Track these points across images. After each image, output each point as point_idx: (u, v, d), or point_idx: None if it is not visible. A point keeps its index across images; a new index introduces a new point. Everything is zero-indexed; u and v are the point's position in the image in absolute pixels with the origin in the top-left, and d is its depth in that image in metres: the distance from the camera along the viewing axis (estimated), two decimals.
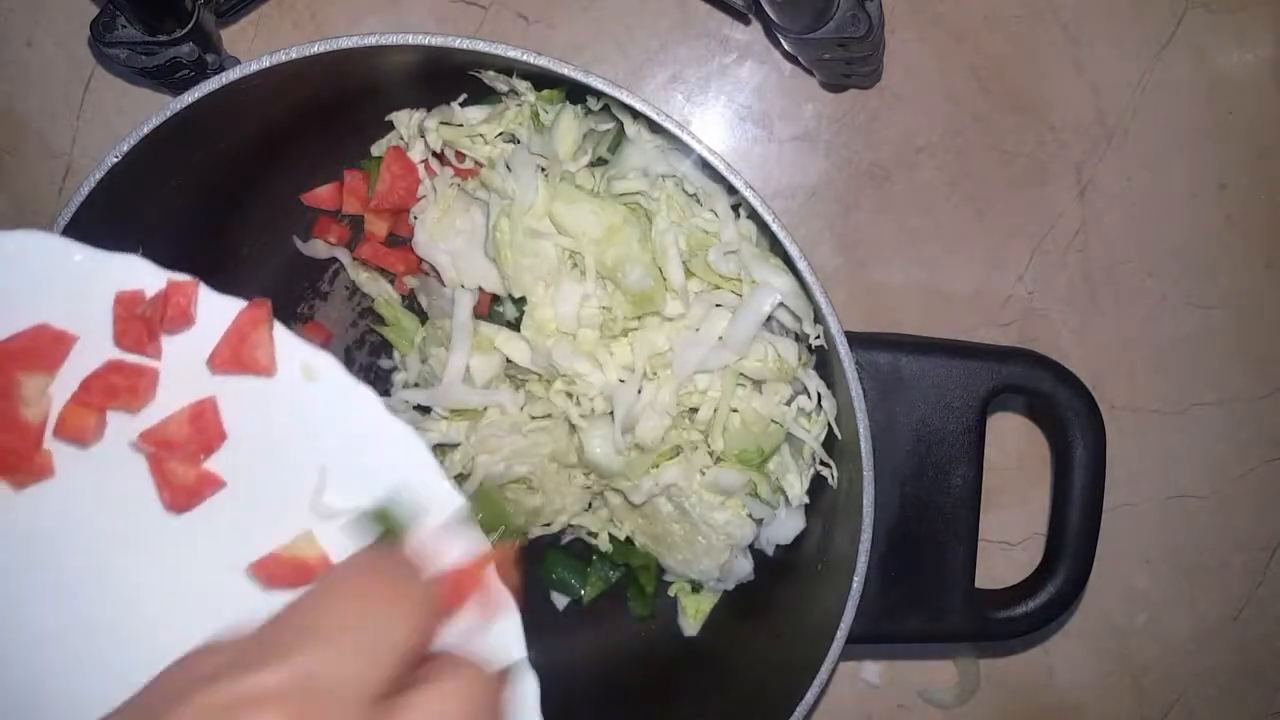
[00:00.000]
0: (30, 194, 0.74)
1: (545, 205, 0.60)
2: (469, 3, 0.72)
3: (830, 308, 0.53)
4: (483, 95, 0.64)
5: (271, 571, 0.40)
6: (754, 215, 0.54)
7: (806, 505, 0.64)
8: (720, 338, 0.59)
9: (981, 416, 0.58)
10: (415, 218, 0.67)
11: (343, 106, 0.64)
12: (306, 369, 0.40)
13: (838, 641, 0.54)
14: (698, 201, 0.60)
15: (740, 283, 0.59)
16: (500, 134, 0.64)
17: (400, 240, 0.70)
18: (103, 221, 0.54)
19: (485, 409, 0.65)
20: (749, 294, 0.58)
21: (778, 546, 0.65)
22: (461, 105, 0.64)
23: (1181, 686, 0.77)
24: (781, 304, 0.58)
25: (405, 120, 0.66)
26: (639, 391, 0.60)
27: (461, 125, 0.64)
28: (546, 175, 0.60)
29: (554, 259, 0.61)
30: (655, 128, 0.54)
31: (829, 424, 0.60)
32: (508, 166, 0.60)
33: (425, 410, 0.66)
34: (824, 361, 0.59)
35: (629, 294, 0.59)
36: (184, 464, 0.40)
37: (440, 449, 0.67)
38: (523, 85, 0.62)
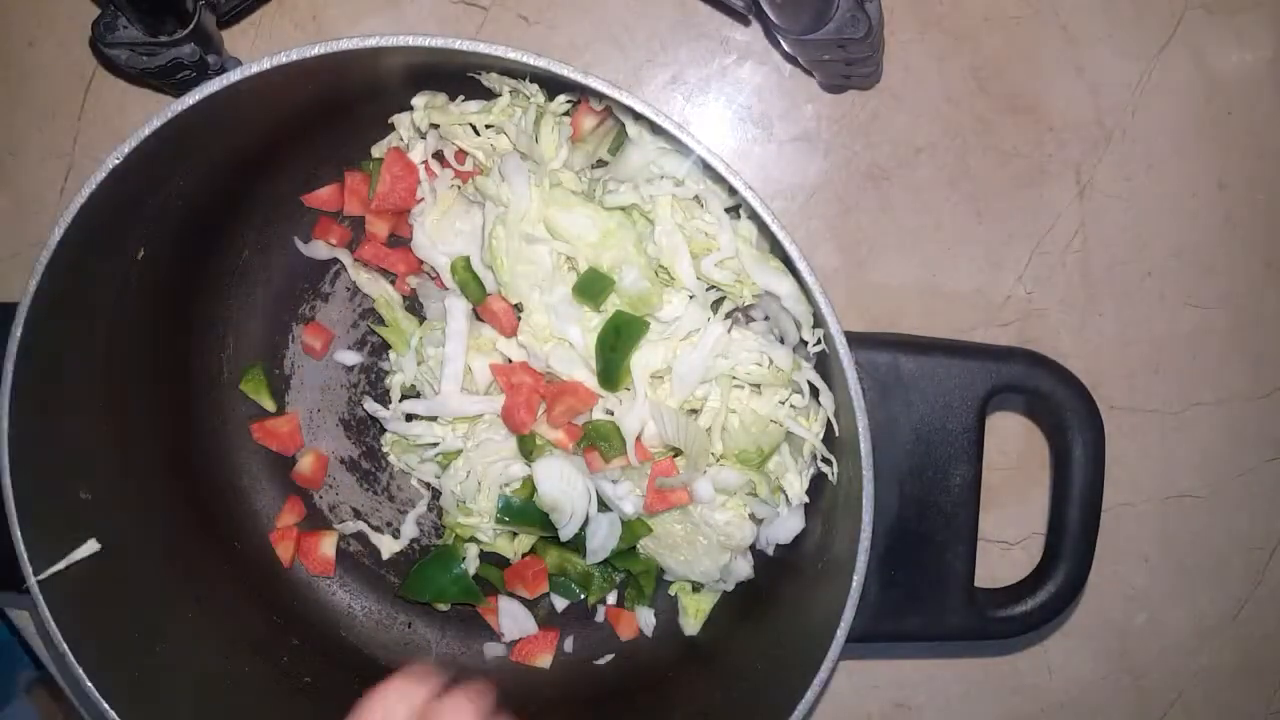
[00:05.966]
0: (32, 194, 0.74)
1: (540, 211, 0.60)
2: (469, 4, 0.72)
3: (830, 308, 0.53)
4: (483, 97, 0.64)
5: None
6: (754, 216, 0.54)
7: (806, 505, 0.64)
8: (717, 355, 0.59)
9: (981, 416, 0.58)
10: (414, 219, 0.67)
11: (343, 108, 0.64)
12: None
13: (838, 641, 0.54)
14: (699, 204, 0.60)
15: (740, 285, 0.59)
16: (490, 126, 0.63)
17: (402, 241, 0.70)
18: (104, 222, 0.55)
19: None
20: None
21: (778, 546, 0.66)
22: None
23: (1181, 686, 0.77)
24: (783, 308, 0.58)
25: (406, 122, 0.66)
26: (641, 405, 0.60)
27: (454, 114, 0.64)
28: (538, 181, 0.60)
29: (549, 265, 0.61)
30: (656, 129, 0.54)
31: (829, 420, 0.60)
32: (500, 174, 0.60)
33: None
34: (824, 361, 0.59)
35: (625, 297, 0.59)
36: None
37: (442, 456, 0.67)
38: (532, 88, 0.62)
